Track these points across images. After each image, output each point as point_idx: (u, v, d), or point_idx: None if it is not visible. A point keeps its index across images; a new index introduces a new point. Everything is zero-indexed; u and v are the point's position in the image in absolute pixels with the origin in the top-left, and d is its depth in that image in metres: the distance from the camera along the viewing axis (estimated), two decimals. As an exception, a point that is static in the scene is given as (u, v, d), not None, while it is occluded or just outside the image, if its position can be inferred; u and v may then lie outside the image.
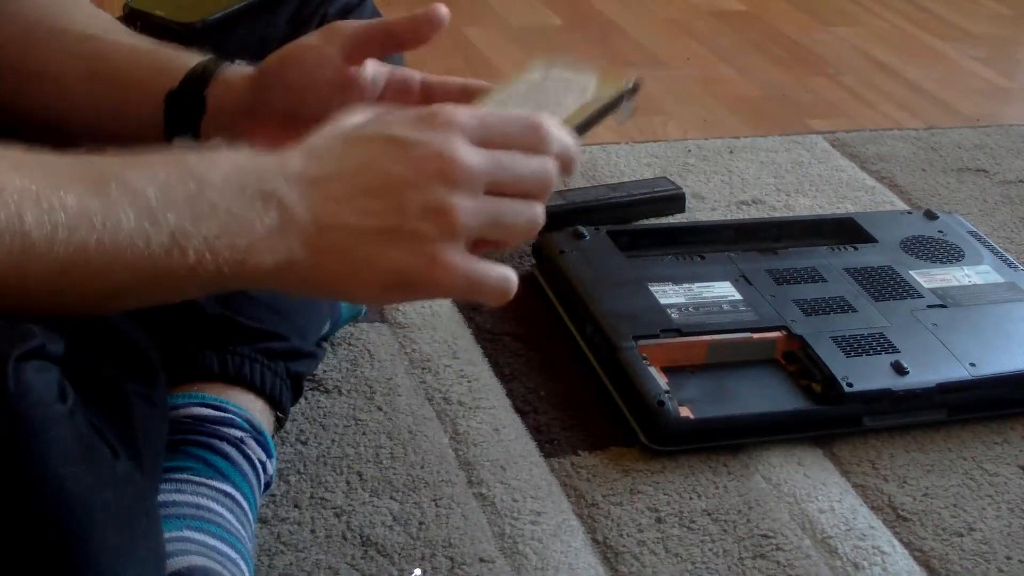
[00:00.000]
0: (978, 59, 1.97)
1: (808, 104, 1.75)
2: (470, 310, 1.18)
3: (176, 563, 0.74)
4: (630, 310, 1.12)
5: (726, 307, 1.14)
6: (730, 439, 1.02)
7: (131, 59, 0.86)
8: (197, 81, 0.83)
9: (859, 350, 1.09)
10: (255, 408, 0.89)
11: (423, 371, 1.09)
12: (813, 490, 0.97)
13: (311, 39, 0.81)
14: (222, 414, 0.86)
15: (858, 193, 1.47)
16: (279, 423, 0.93)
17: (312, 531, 0.90)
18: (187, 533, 0.77)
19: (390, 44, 0.77)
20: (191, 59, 0.84)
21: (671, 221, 1.37)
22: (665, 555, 0.90)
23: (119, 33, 0.87)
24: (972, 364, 1.09)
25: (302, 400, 1.00)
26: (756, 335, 1.11)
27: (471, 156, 0.65)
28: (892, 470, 1.01)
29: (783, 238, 1.30)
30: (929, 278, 1.21)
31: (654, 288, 1.16)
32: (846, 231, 1.31)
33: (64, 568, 0.57)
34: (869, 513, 0.96)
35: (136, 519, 0.63)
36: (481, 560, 0.88)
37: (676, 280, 1.18)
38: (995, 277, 1.23)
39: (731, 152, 1.55)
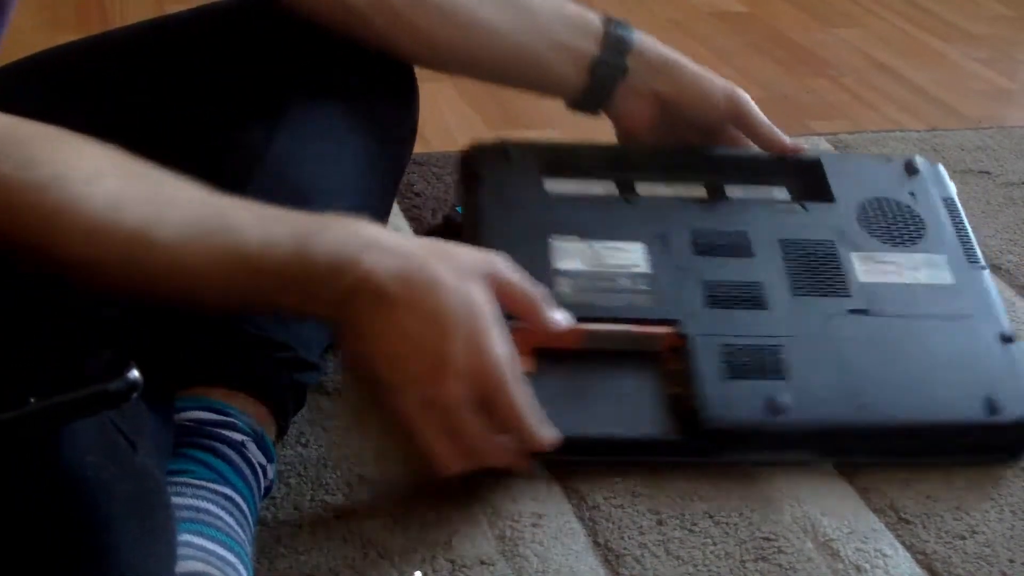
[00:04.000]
0: (980, 60, 1.96)
1: (809, 106, 1.75)
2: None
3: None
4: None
5: (624, 282, 1.00)
6: (577, 456, 0.94)
7: (552, 15, 1.05)
8: (617, 47, 1.06)
9: (743, 371, 0.96)
10: (257, 414, 0.88)
11: (424, 373, 1.08)
12: (814, 492, 0.97)
13: (724, 104, 1.10)
14: (224, 418, 0.86)
15: (860, 195, 1.47)
16: (280, 432, 0.93)
17: (312, 533, 0.90)
18: (186, 537, 0.77)
19: None
20: (595, 19, 1.07)
21: (610, 143, 1.17)
22: (666, 557, 0.90)
23: None
24: (862, 404, 0.96)
25: (303, 402, 1.00)
26: (641, 330, 0.98)
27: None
28: (894, 472, 1.00)
29: (735, 171, 1.11)
30: (869, 265, 1.05)
31: (556, 243, 1.01)
32: (807, 178, 1.12)
33: (86, 556, 0.57)
34: (871, 515, 0.95)
35: (155, 511, 0.63)
36: (482, 562, 0.88)
37: (586, 233, 1.02)
38: (944, 276, 1.05)
39: (732, 154, 1.55)
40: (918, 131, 1.65)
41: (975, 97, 1.82)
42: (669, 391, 0.96)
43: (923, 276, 1.05)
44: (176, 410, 0.85)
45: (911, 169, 1.14)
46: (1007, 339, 1.02)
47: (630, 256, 1.01)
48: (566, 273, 0.99)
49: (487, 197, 1.05)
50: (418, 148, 1.19)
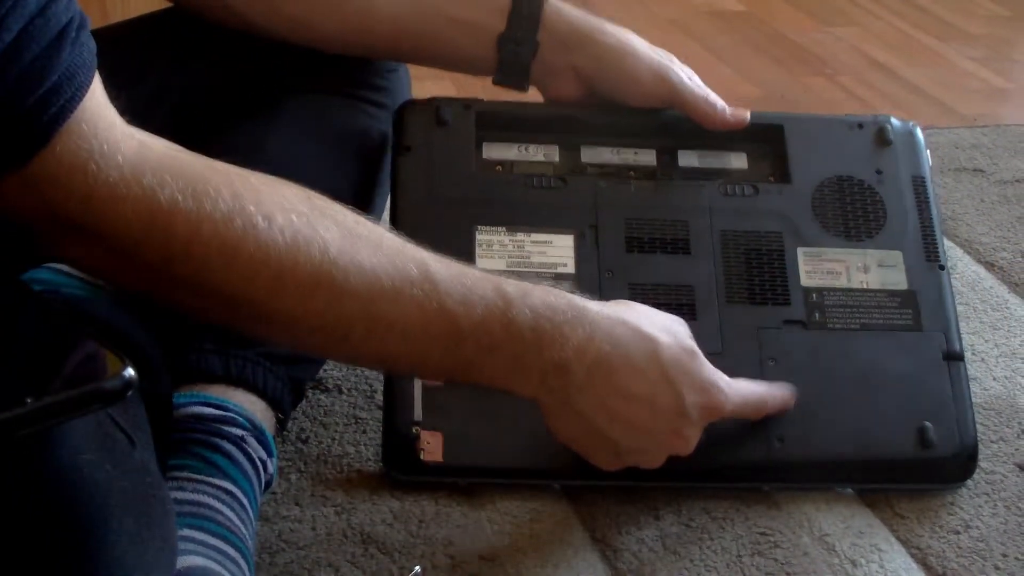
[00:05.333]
0: (975, 59, 1.97)
1: (806, 104, 1.76)
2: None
3: (176, 563, 0.75)
4: None
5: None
6: (475, 478, 0.94)
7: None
8: (525, 22, 0.98)
9: None
10: (256, 409, 0.89)
11: (423, 370, 1.09)
12: (810, 488, 0.98)
13: (650, 82, 1.00)
14: (224, 413, 0.86)
15: (856, 193, 1.47)
16: (280, 426, 0.93)
17: (313, 528, 0.90)
18: (187, 532, 0.77)
19: None
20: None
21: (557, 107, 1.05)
22: (663, 552, 0.90)
23: None
24: (780, 439, 0.93)
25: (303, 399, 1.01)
26: None
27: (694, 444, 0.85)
28: (889, 468, 1.01)
29: (690, 135, 1.03)
30: (815, 265, 0.99)
31: (481, 236, 0.97)
32: (766, 145, 1.04)
33: (82, 553, 0.58)
34: (866, 510, 0.96)
35: (152, 507, 0.63)
36: (481, 558, 0.88)
37: (513, 222, 0.97)
38: (897, 278, 0.99)
39: (729, 152, 1.55)
40: (914, 129, 1.66)
41: (971, 96, 1.82)
42: None
43: (872, 279, 0.99)
44: (175, 405, 0.85)
45: (883, 139, 1.04)
46: (952, 357, 0.97)
47: (557, 253, 0.97)
48: None
49: (413, 174, 0.99)
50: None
